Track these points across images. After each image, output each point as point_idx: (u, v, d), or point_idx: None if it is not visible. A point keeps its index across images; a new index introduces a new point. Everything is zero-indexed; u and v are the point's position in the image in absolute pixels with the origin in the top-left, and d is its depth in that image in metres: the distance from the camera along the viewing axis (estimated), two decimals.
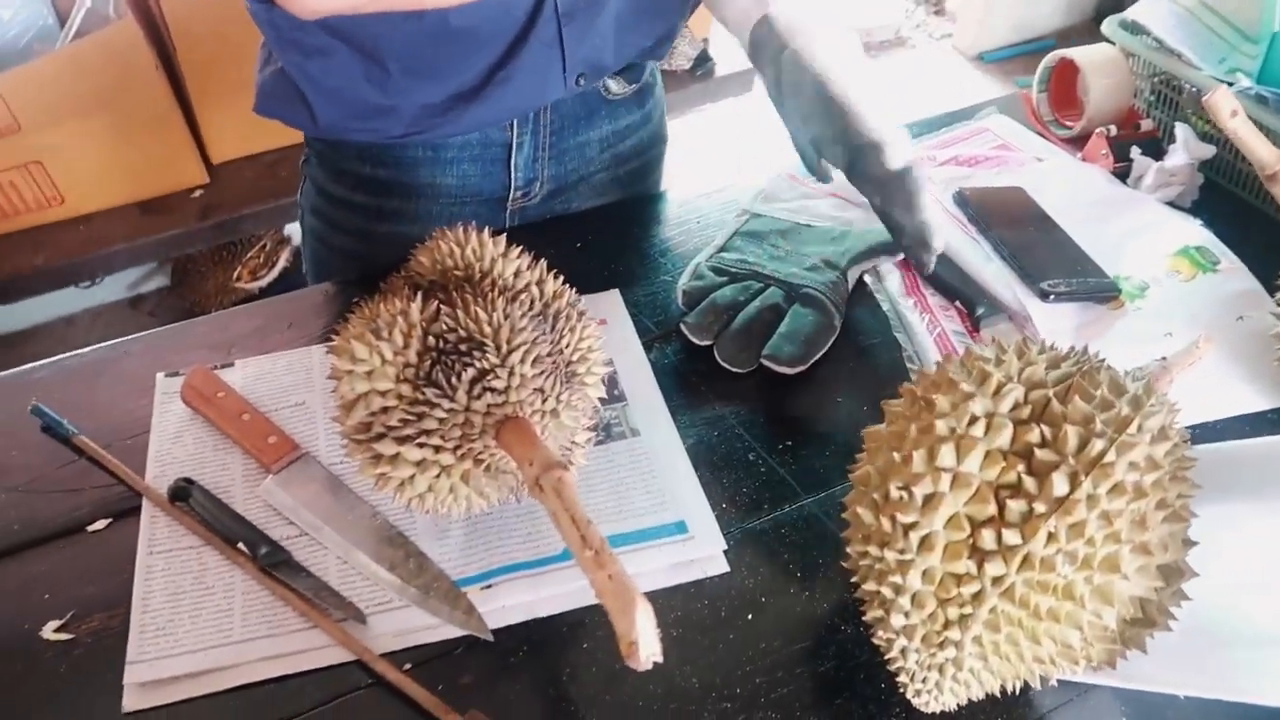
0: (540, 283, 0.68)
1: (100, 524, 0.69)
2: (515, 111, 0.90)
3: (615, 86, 0.96)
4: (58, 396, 0.78)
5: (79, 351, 0.84)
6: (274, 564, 0.65)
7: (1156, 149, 1.03)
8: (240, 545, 0.66)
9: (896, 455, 0.55)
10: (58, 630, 0.63)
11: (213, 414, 0.75)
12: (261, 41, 0.92)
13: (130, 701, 0.59)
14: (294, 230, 2.19)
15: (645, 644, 0.45)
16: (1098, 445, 0.51)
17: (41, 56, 1.57)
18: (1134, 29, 1.08)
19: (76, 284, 1.76)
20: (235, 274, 2.06)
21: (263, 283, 2.10)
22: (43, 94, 1.54)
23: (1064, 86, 1.12)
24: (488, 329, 0.60)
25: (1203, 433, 0.74)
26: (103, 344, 0.84)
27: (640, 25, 0.89)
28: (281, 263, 2.13)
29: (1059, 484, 0.51)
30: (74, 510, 0.70)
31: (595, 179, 1.02)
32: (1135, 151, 1.01)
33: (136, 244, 1.68)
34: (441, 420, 0.58)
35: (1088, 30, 3.04)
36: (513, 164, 0.95)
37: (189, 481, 0.70)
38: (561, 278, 0.70)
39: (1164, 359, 0.66)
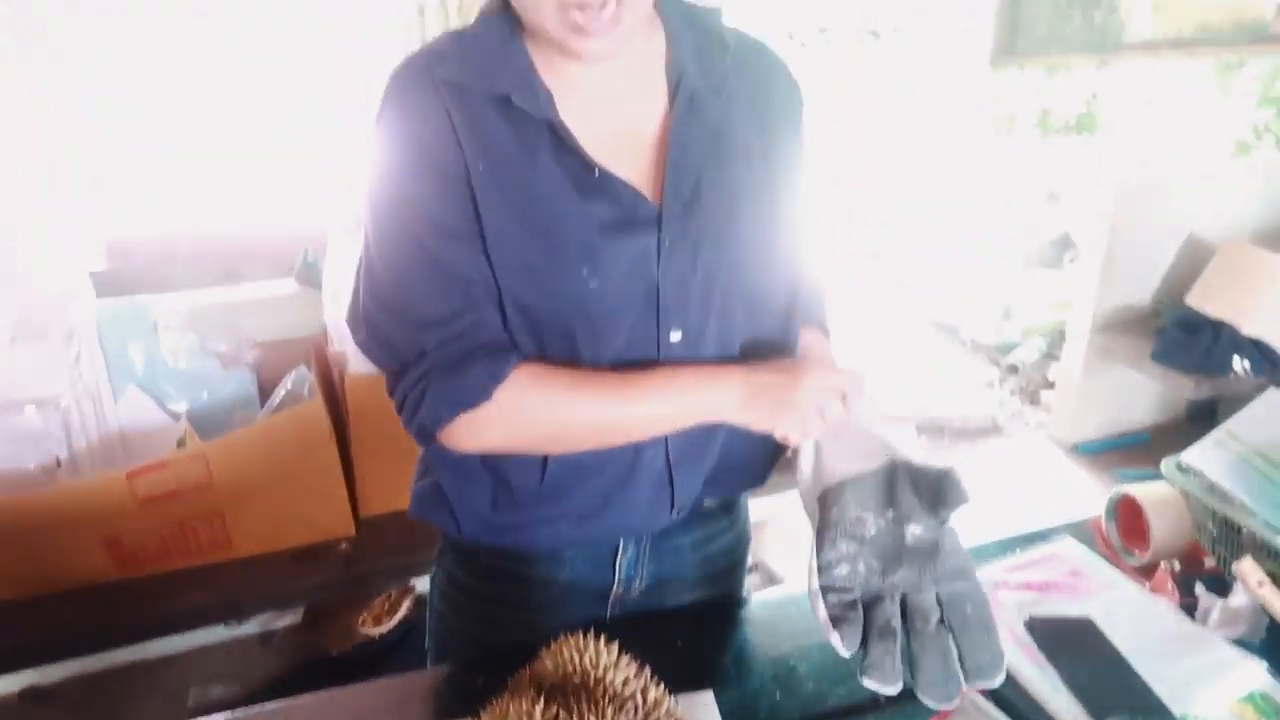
0: (644, 690, 0.80)
1: None
2: (624, 533, 1.07)
3: (709, 502, 1.12)
4: None
5: None
6: None
7: (1223, 585, 1.10)
8: None
9: None
10: None
11: None
12: (420, 454, 1.13)
13: None
14: (417, 581, 2.36)
15: None
16: None
17: (243, 426, 1.87)
18: (1190, 471, 1.20)
19: (226, 622, 1.94)
20: (360, 619, 2.22)
21: (384, 628, 2.24)
22: (236, 459, 1.81)
23: (1132, 517, 1.23)
24: None
25: None
26: None
27: (741, 464, 1.07)
28: (403, 611, 2.28)
29: None
30: None
31: (687, 576, 1.15)
32: (1199, 588, 1.09)
33: (283, 590, 1.87)
34: None
35: (1178, 428, 3.16)
36: (617, 564, 1.09)
37: None
38: (662, 685, 0.81)
39: None
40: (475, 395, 0.90)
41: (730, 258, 0.95)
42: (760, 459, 1.08)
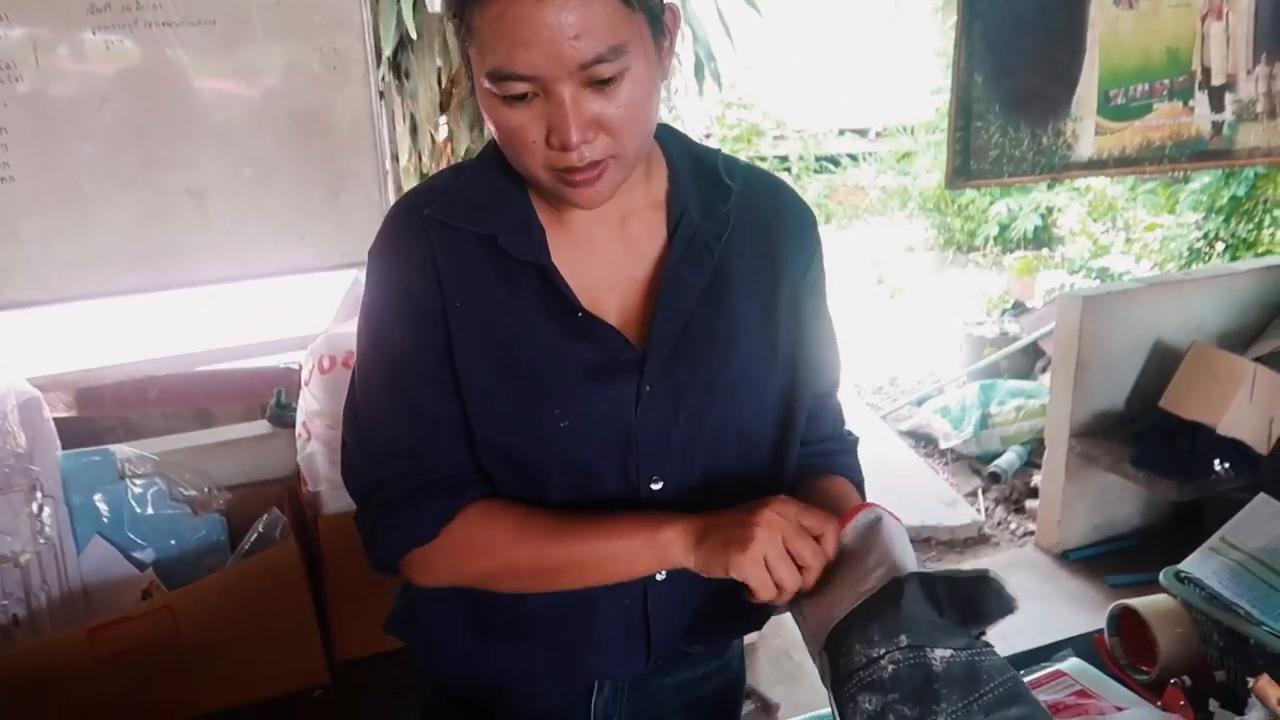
0: None
1: None
2: (596, 676, 1.00)
3: (695, 648, 1.03)
4: None
5: None
6: None
7: (1237, 700, 1.06)
8: None
9: None
10: None
11: None
12: None
13: None
14: None
15: None
16: None
17: (213, 573, 1.80)
18: (1189, 581, 1.18)
19: None
20: None
21: None
22: (204, 608, 1.74)
23: (1135, 631, 1.19)
24: None
25: None
26: None
27: (730, 612, 0.97)
28: None
29: None
30: None
31: (671, 719, 1.07)
32: (1213, 704, 1.05)
33: None
34: None
35: (1165, 530, 3.13)
36: (593, 704, 1.02)
37: None
38: None
39: None
40: (423, 534, 0.89)
41: (721, 401, 0.91)
42: (752, 609, 0.90)
